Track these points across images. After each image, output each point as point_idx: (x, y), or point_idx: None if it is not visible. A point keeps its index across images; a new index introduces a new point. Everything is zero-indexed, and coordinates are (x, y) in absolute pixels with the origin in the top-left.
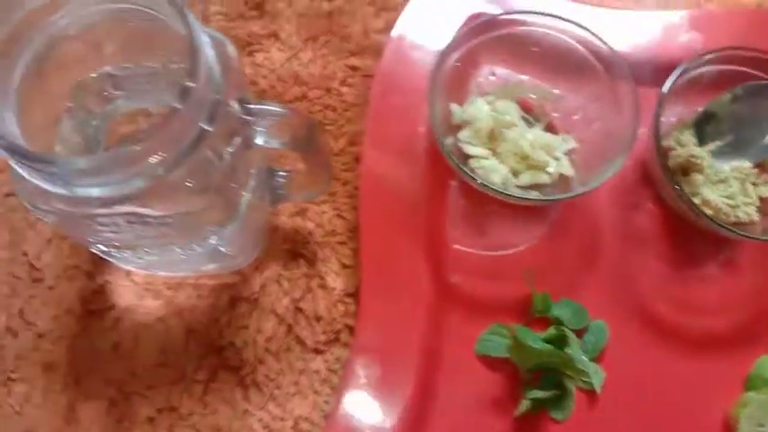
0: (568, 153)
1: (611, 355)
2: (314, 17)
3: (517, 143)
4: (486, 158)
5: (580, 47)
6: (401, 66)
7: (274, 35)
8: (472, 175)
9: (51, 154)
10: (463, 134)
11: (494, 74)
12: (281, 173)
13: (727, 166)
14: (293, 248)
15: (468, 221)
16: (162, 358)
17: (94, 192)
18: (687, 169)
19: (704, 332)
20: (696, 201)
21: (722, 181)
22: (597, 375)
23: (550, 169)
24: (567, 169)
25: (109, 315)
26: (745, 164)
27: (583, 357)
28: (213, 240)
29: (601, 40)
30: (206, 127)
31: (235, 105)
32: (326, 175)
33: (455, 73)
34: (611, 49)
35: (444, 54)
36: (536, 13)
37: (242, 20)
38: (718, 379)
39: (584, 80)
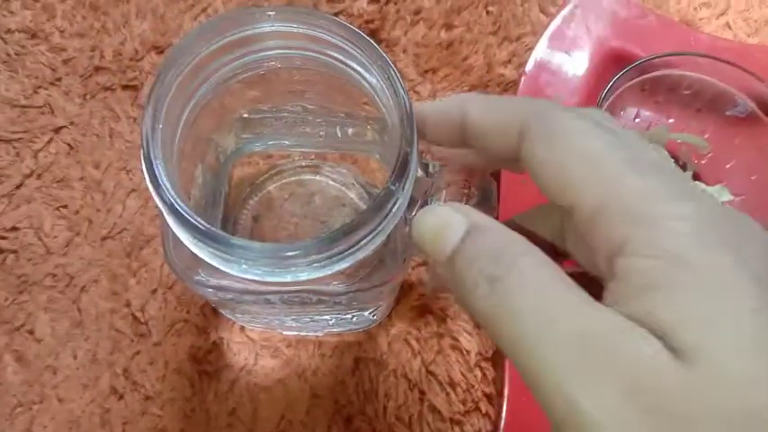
0: None
1: None
2: (432, 47)
3: None
4: None
5: (735, 89)
6: None
7: None
8: None
9: (264, 244)
10: None
11: (638, 116)
12: None
13: None
14: (420, 303)
15: None
16: (284, 426)
17: (294, 277)
18: None
19: None
20: None
21: None
22: None
23: None
24: None
25: (223, 376)
26: None
27: None
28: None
29: (761, 80)
30: (413, 196)
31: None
32: None
33: None
34: None
35: (604, 99)
36: (692, 54)
37: None
38: None
39: (740, 126)
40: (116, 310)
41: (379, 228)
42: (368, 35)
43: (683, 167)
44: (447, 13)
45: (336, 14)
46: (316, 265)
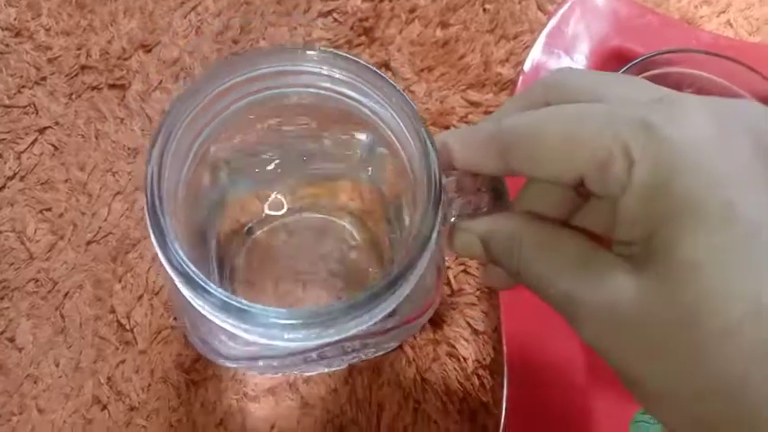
0: None
1: None
2: (428, 46)
3: None
4: None
5: (739, 88)
6: None
7: (385, 64)
8: None
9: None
10: None
11: None
12: None
13: None
14: None
15: None
16: None
17: (340, 333)
18: None
19: None
20: None
21: None
22: None
23: None
24: None
25: (211, 385)
26: None
27: None
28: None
29: (766, 79)
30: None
31: None
32: None
33: None
34: None
35: None
36: (695, 51)
37: (349, 46)
38: None
39: None
40: (100, 317)
41: (422, 260)
42: (362, 32)
43: None
44: (443, 11)
45: (330, 12)
46: (361, 318)
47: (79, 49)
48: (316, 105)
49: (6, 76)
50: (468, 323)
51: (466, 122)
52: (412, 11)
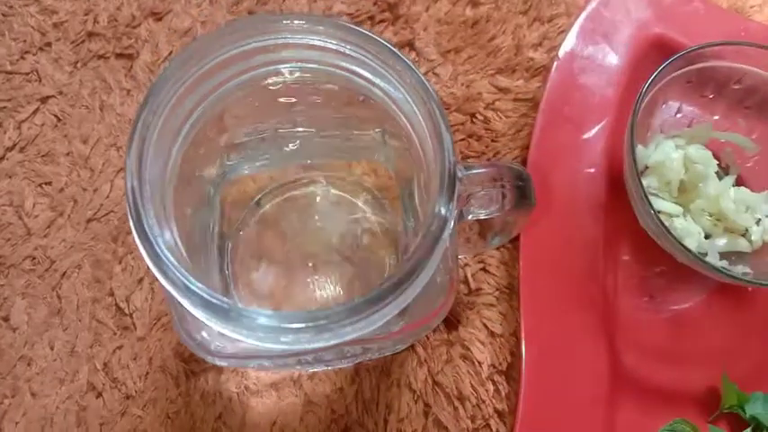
0: None
1: None
2: (456, 25)
3: (717, 201)
4: (678, 216)
5: None
6: (571, 93)
7: (409, 44)
8: (674, 237)
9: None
10: (648, 182)
11: (680, 111)
12: None
13: None
14: None
15: (641, 286)
16: None
17: (338, 338)
18: None
19: None
20: None
21: None
22: None
23: (754, 236)
24: None
25: (211, 376)
26: None
27: None
28: None
29: None
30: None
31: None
32: (525, 221)
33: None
34: None
35: (648, 89)
36: (749, 45)
37: (371, 23)
38: None
39: None
40: (98, 300)
41: (432, 259)
42: (385, 8)
43: (726, 170)
44: None
45: None
46: (358, 324)
47: (87, 14)
48: (322, 83)
49: (9, 40)
50: (484, 325)
51: (493, 110)
52: None
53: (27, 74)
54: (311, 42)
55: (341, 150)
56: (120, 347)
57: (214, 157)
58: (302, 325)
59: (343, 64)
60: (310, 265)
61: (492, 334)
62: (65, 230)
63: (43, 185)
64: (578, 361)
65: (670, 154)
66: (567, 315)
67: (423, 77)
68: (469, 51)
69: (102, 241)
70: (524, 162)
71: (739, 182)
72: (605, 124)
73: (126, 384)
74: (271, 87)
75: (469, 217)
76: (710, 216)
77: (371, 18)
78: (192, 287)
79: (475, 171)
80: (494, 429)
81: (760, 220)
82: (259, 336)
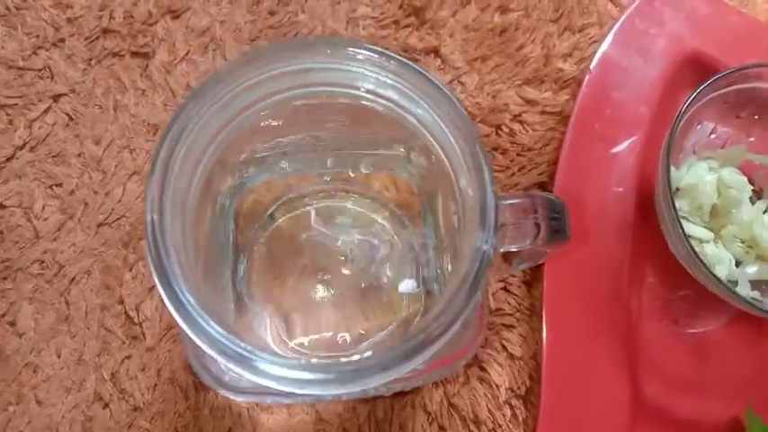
0: None
1: None
2: (483, 32)
3: (750, 227)
4: (709, 242)
5: None
6: (603, 107)
7: (434, 50)
8: (706, 266)
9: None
10: (679, 204)
11: (715, 132)
12: None
13: None
14: None
15: (665, 309)
16: None
17: (363, 386)
18: None
19: None
20: None
21: None
22: None
23: None
24: None
25: None
26: None
27: None
28: None
29: None
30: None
31: None
32: (556, 251)
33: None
34: None
35: (687, 109)
36: None
37: (396, 27)
38: None
39: None
40: (107, 307)
41: (470, 305)
42: (411, 12)
43: (759, 194)
44: None
45: None
46: (384, 374)
47: (102, 9)
48: (352, 107)
49: (22, 34)
50: (503, 346)
51: (519, 122)
52: None
53: (39, 70)
54: (348, 69)
55: (362, 163)
56: (128, 357)
57: (233, 171)
58: (330, 376)
59: (380, 91)
60: (325, 278)
61: (511, 356)
62: (75, 234)
63: (53, 187)
64: (599, 387)
65: (703, 177)
66: (590, 339)
67: (462, 110)
68: (497, 60)
69: (112, 247)
70: (551, 177)
71: None
72: (635, 141)
73: (134, 396)
74: (295, 103)
75: (500, 250)
76: (742, 243)
77: (396, 22)
78: (214, 333)
79: (508, 202)
80: None
81: None
82: (283, 384)
